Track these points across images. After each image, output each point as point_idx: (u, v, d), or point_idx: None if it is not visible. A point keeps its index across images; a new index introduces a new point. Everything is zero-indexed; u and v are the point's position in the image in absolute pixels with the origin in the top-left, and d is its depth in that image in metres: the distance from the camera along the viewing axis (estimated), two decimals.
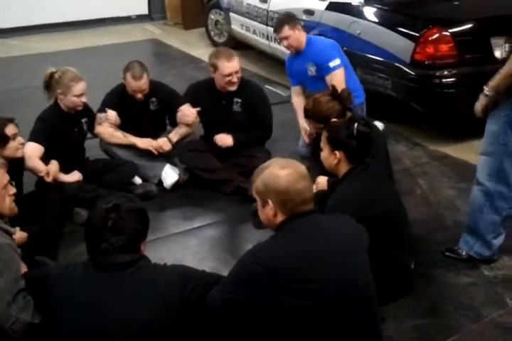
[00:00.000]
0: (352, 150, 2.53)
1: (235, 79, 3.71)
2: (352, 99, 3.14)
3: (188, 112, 3.83)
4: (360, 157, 2.55)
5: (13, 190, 2.35)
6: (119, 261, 1.79)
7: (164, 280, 1.82)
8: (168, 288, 1.81)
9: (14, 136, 2.96)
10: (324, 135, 2.65)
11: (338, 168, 2.59)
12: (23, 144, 3.05)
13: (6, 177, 2.30)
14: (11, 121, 2.98)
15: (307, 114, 3.18)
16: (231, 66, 3.68)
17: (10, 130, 2.94)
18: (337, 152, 2.55)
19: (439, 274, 2.89)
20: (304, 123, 3.68)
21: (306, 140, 3.75)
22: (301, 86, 4.03)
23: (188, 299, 1.83)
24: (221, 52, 3.77)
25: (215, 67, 3.71)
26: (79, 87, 3.36)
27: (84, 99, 3.42)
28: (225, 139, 3.80)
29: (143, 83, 3.71)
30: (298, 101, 3.98)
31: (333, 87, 3.15)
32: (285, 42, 3.89)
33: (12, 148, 2.94)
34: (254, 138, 3.90)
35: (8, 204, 2.31)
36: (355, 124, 2.54)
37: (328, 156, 2.61)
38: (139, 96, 3.77)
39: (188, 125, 3.88)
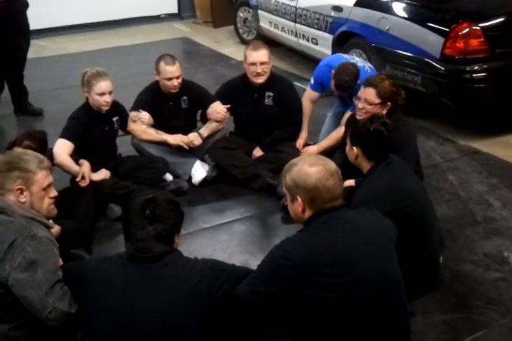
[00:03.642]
0: (367, 147, 2.57)
1: (258, 69, 3.79)
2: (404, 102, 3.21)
3: (218, 109, 3.89)
4: (379, 154, 2.58)
5: (54, 193, 2.28)
6: (154, 250, 1.84)
7: (195, 274, 1.86)
8: (199, 281, 1.85)
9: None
10: (349, 130, 2.72)
11: (358, 163, 2.64)
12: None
13: (48, 180, 2.24)
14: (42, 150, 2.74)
15: (370, 83, 3.15)
16: (256, 55, 3.79)
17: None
18: (355, 147, 2.60)
19: (468, 269, 2.89)
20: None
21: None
22: (320, 94, 4.08)
23: (218, 292, 1.87)
24: (251, 43, 4.00)
25: (245, 57, 3.86)
26: (100, 86, 3.37)
27: (107, 99, 3.41)
28: (254, 155, 3.95)
29: (176, 68, 3.75)
30: (310, 107, 4.07)
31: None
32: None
33: None
34: (283, 137, 4.00)
35: (47, 206, 2.25)
36: (373, 123, 2.57)
37: (349, 150, 2.67)
38: (175, 84, 3.76)
39: (218, 121, 3.94)
